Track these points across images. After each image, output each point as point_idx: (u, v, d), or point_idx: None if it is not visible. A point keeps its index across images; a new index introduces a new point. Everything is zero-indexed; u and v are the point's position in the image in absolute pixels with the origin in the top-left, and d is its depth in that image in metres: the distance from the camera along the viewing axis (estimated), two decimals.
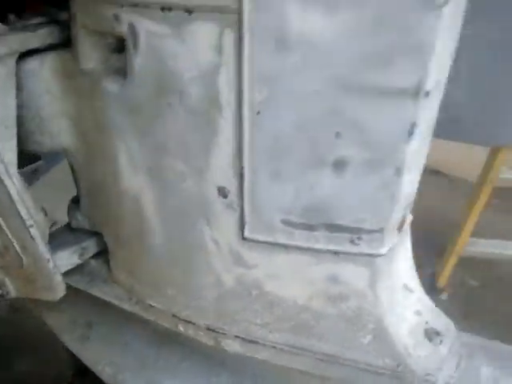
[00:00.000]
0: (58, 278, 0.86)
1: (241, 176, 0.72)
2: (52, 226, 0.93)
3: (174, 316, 0.88)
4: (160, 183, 0.79)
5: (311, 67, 0.63)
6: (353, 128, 0.65)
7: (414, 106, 0.63)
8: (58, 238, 0.97)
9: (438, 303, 2.69)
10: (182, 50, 0.68)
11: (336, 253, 0.73)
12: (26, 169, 1.05)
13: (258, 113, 0.67)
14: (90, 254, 0.99)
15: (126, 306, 0.94)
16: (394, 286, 0.78)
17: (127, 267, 0.93)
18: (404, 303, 0.79)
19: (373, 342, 0.78)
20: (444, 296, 2.76)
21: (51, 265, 0.84)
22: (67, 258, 0.95)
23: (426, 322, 0.81)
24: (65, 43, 0.84)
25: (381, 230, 0.71)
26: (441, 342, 0.81)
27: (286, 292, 0.79)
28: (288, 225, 0.73)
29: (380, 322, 0.76)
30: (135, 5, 0.68)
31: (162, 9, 0.66)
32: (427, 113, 0.65)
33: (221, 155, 0.72)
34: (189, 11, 0.65)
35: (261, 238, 0.75)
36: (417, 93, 0.62)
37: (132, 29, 0.70)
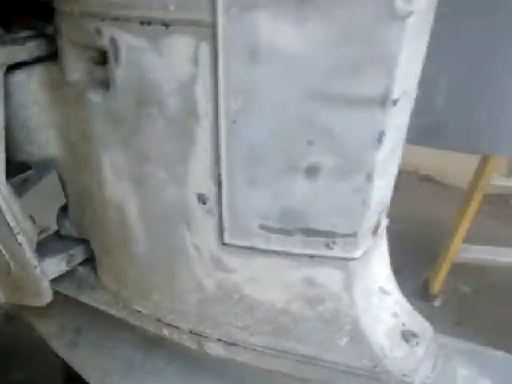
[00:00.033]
0: (45, 284, 0.89)
1: (219, 183, 0.74)
2: (41, 233, 0.95)
3: (158, 320, 0.91)
4: (142, 191, 0.81)
5: (283, 77, 0.66)
6: (324, 136, 0.68)
7: (382, 115, 0.66)
8: (47, 245, 1.00)
9: (431, 310, 2.69)
10: (161, 63, 0.70)
11: (312, 256, 0.76)
12: (15, 178, 1.07)
13: (234, 122, 0.70)
14: (78, 261, 1.01)
15: (114, 312, 0.96)
16: (370, 288, 0.80)
17: (113, 273, 0.95)
18: (380, 306, 0.81)
19: (350, 344, 0.80)
20: (437, 303, 2.77)
21: (38, 271, 0.87)
22: (55, 265, 0.97)
23: (403, 324, 0.83)
24: (52, 56, 0.87)
25: (354, 234, 0.73)
26: (417, 343, 0.82)
27: (265, 295, 0.81)
28: (265, 230, 0.76)
29: (356, 323, 0.78)
30: (116, 19, 0.71)
31: (141, 23, 0.69)
32: (396, 121, 0.68)
33: (199, 163, 0.74)
34: (166, 25, 0.68)
35: (239, 242, 0.78)
36: (384, 101, 0.65)
37: (113, 42, 0.73)
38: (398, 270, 2.86)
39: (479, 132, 1.26)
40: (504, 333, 2.32)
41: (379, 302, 0.81)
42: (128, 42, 0.71)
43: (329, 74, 0.65)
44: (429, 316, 2.70)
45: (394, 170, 0.76)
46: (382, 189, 0.73)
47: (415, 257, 3.00)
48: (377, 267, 0.81)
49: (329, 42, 0.63)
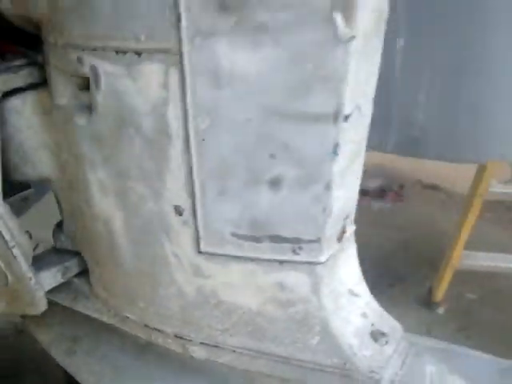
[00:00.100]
0: (40, 294, 0.96)
1: (193, 196, 0.81)
2: (36, 247, 1.02)
3: (145, 326, 0.97)
4: (125, 205, 0.88)
5: (244, 98, 0.72)
6: (284, 150, 0.74)
7: (336, 129, 0.72)
8: (44, 258, 1.07)
9: (436, 317, 2.71)
10: (135, 88, 0.77)
11: (281, 262, 0.82)
12: (16, 197, 1.15)
13: (203, 140, 0.76)
14: (73, 273, 1.08)
15: (105, 319, 1.03)
16: (338, 291, 0.86)
17: (103, 283, 1.02)
18: (349, 307, 0.87)
19: (321, 343, 0.85)
20: (441, 310, 2.79)
21: (33, 282, 0.93)
22: (51, 277, 1.04)
23: (372, 324, 0.88)
24: (43, 82, 0.94)
25: (318, 240, 0.79)
26: (386, 342, 0.88)
27: (241, 299, 0.87)
28: (237, 237, 0.82)
29: (325, 324, 0.84)
30: (94, 49, 0.78)
31: (117, 52, 0.77)
32: (350, 134, 0.74)
33: (174, 178, 0.81)
34: (138, 53, 0.75)
35: (214, 250, 0.84)
36: (336, 117, 0.71)
37: (93, 70, 0.80)
38: (402, 278, 2.90)
39: (459, 141, 1.32)
40: (509, 339, 2.34)
41: (348, 303, 0.87)
42: (106, 69, 0.79)
43: (284, 94, 0.71)
44: (433, 323, 2.71)
45: (354, 180, 0.81)
46: (342, 197, 0.78)
47: (419, 265, 3.03)
48: (344, 271, 0.87)
49: (282, 65, 0.69)
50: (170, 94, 0.75)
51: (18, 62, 0.95)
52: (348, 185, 0.79)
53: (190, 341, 0.93)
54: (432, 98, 1.27)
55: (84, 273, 1.09)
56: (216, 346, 0.92)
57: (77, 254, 1.08)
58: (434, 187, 3.92)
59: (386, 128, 1.34)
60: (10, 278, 0.94)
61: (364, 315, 0.88)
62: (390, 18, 1.24)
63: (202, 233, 0.83)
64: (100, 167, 0.87)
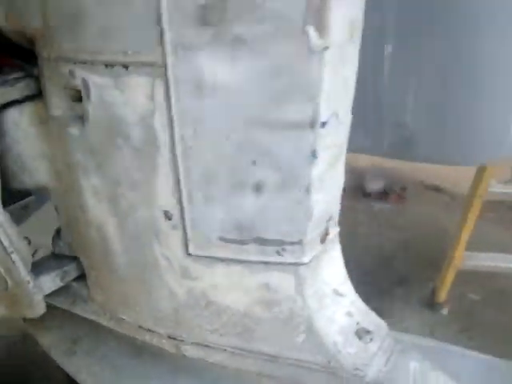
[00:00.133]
0: (38, 298, 1.00)
1: (181, 202, 0.84)
2: (35, 252, 1.06)
3: (140, 327, 1.01)
4: (117, 211, 0.92)
5: (224, 108, 0.76)
6: (265, 156, 0.78)
7: (313, 135, 0.75)
8: (44, 263, 1.11)
9: (439, 318, 2.72)
10: (123, 99, 0.81)
11: (266, 263, 0.85)
12: (16, 205, 1.19)
13: (188, 148, 0.80)
14: (71, 277, 1.12)
15: (102, 321, 1.06)
16: (323, 291, 0.89)
17: (100, 286, 1.06)
18: (334, 306, 0.90)
19: (306, 342, 0.88)
20: (444, 311, 2.80)
21: (31, 285, 0.97)
22: (51, 281, 1.08)
23: (357, 323, 0.91)
24: (39, 94, 0.98)
25: (300, 242, 0.82)
26: (371, 339, 0.91)
27: (229, 300, 0.90)
28: (223, 240, 0.85)
29: (310, 323, 0.87)
30: (84, 62, 0.82)
31: (106, 65, 0.80)
32: (327, 140, 0.77)
33: (163, 185, 0.85)
34: (126, 67, 0.79)
35: (202, 253, 0.87)
36: (313, 124, 0.74)
37: (84, 82, 0.84)
38: (405, 279, 2.91)
39: (447, 144, 1.35)
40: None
41: (332, 303, 0.90)
42: (96, 81, 0.82)
43: (263, 104, 0.75)
44: (436, 324, 2.73)
45: (335, 183, 0.85)
46: (322, 201, 0.82)
47: (422, 266, 3.04)
48: (328, 271, 0.90)
49: (260, 76, 0.73)
50: (156, 105, 0.79)
51: (15, 75, 0.99)
52: (328, 188, 0.82)
53: (182, 341, 0.97)
54: (420, 101, 1.30)
55: (82, 277, 1.13)
56: (207, 346, 0.95)
57: (75, 258, 1.12)
58: (436, 188, 3.94)
59: (379, 132, 1.37)
60: (9, 282, 0.98)
61: (349, 314, 0.91)
62: (379, 25, 1.28)
63: (190, 236, 0.87)
64: (93, 175, 0.91)
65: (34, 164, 1.02)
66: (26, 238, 1.03)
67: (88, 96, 0.84)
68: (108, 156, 0.87)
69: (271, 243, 0.83)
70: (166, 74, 0.76)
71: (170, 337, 0.98)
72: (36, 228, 1.31)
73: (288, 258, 0.84)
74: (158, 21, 0.73)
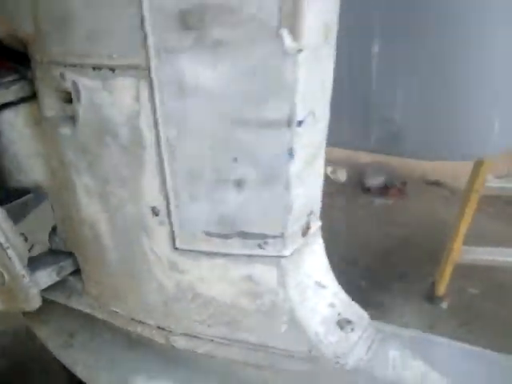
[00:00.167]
0: (34, 291, 1.04)
1: (167, 198, 0.88)
2: (31, 248, 1.10)
3: (132, 319, 1.05)
4: (108, 208, 0.95)
5: (206, 108, 0.80)
6: (245, 153, 0.81)
7: (290, 134, 0.79)
8: (41, 259, 1.15)
9: (438, 312, 2.75)
10: (111, 100, 0.85)
11: (249, 256, 0.89)
12: (14, 203, 1.24)
13: (173, 147, 0.84)
14: (68, 272, 1.16)
15: (97, 314, 1.11)
16: (305, 283, 0.92)
17: (93, 280, 1.10)
18: (316, 298, 0.93)
19: (288, 331, 0.92)
20: (444, 305, 2.83)
21: (26, 280, 1.02)
22: (47, 276, 1.12)
23: (339, 314, 0.95)
24: (33, 96, 1.02)
25: (282, 235, 0.86)
26: (352, 329, 0.94)
27: (215, 292, 0.94)
28: (208, 235, 0.89)
29: (292, 314, 0.91)
30: (74, 65, 0.86)
31: (93, 68, 0.84)
32: (304, 138, 0.81)
33: (150, 182, 0.88)
34: (112, 69, 0.83)
35: (188, 247, 0.91)
36: (290, 123, 0.78)
37: (74, 85, 0.88)
38: (405, 274, 2.95)
39: (434, 140, 1.38)
40: (511, 333, 2.37)
41: (314, 294, 0.93)
42: (85, 84, 0.86)
43: (242, 104, 0.78)
44: (436, 318, 2.76)
45: (315, 179, 0.88)
46: (302, 195, 0.85)
47: (422, 260, 3.07)
48: (310, 264, 0.93)
49: (239, 77, 0.76)
50: (141, 106, 0.83)
51: (10, 78, 1.03)
52: (308, 184, 0.86)
53: (171, 332, 1.00)
54: (407, 96, 1.33)
55: (78, 271, 1.17)
56: (195, 337, 0.99)
57: (71, 254, 1.16)
58: (437, 183, 3.97)
59: (366, 127, 1.40)
60: (6, 277, 1.02)
61: (331, 305, 0.95)
62: (366, 23, 1.31)
63: (176, 231, 0.90)
64: (85, 173, 0.95)
65: (29, 163, 1.06)
66: (22, 234, 1.08)
67: (78, 98, 0.88)
68: (98, 154, 0.91)
69: (253, 237, 0.87)
70: (150, 77, 0.80)
71: (159, 328, 1.02)
72: (35, 225, 1.35)
73: (270, 251, 0.87)
74: (142, 25, 0.76)
